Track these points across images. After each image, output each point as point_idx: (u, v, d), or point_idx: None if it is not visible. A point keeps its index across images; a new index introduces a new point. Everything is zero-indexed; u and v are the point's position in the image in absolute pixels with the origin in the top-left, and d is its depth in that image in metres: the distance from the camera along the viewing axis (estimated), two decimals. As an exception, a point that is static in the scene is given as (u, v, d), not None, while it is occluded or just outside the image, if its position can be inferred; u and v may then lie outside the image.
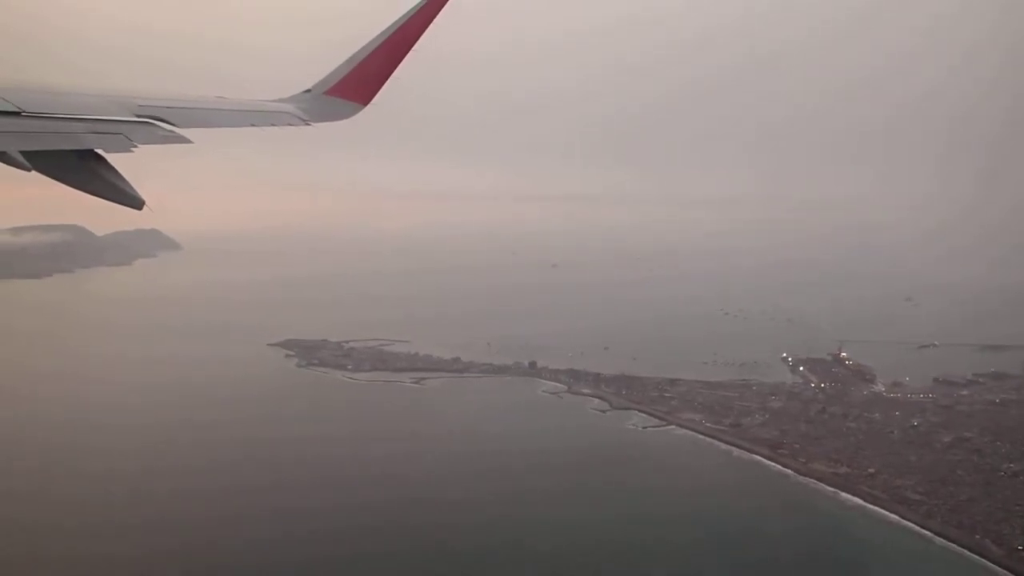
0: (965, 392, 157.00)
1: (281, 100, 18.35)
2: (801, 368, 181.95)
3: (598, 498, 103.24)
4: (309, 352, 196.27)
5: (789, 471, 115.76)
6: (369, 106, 19.13)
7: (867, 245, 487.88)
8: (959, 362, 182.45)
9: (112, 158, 11.07)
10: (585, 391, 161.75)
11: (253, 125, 15.77)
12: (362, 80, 18.86)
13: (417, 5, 18.49)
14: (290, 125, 16.70)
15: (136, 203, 10.85)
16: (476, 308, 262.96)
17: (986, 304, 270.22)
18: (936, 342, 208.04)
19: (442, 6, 18.55)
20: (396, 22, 18.58)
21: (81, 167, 10.83)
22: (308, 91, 18.92)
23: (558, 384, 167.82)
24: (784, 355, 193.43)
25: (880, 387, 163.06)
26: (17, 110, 10.16)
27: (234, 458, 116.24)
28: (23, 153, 9.89)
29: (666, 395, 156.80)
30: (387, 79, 19.03)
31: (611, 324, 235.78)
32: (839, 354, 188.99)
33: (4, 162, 10.00)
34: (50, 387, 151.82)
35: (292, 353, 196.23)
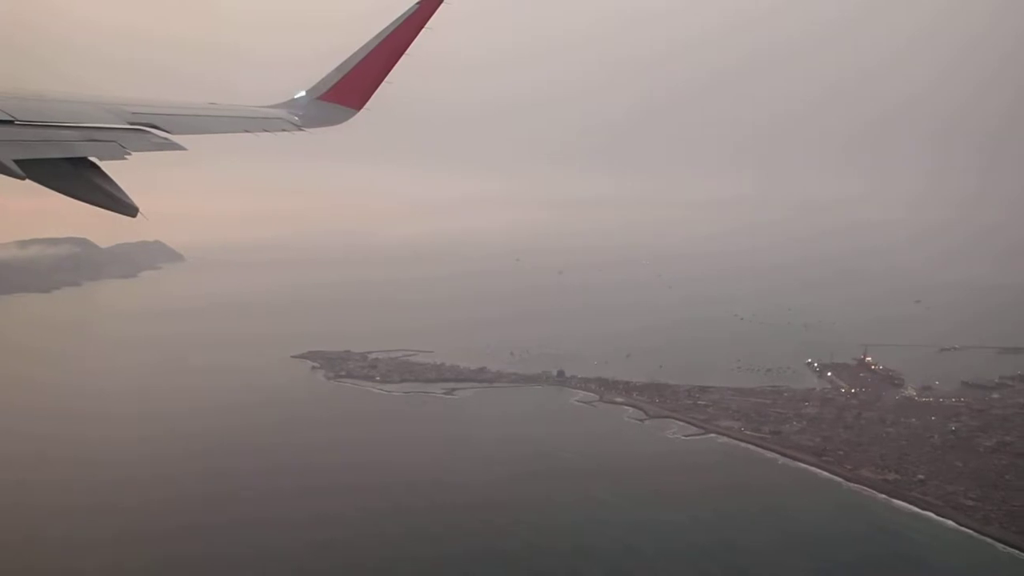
0: (996, 396, 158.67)
1: (274, 106, 18.49)
2: (829, 374, 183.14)
3: (656, 508, 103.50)
4: (334, 364, 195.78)
5: (839, 478, 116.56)
6: (362, 110, 19.33)
7: (869, 245, 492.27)
8: (983, 365, 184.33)
9: (105, 165, 11.06)
10: (618, 400, 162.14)
11: (246, 131, 15.84)
12: (355, 85, 19.06)
13: (409, 9, 18.71)
14: (283, 131, 16.82)
15: (130, 211, 10.82)
16: (490, 316, 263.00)
17: (994, 305, 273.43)
18: (956, 345, 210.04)
19: (434, 10, 18.73)
20: (389, 26, 18.76)
21: (75, 175, 10.77)
22: (301, 96, 19.11)
23: (589, 393, 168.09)
24: (809, 360, 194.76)
25: (911, 391, 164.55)
26: (10, 119, 10.22)
27: (287, 467, 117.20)
28: (17, 162, 9.72)
29: (700, 403, 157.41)
30: (380, 84, 19.23)
31: (628, 330, 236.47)
32: (864, 359, 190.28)
33: None
34: (85, 404, 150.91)
35: (318, 365, 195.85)
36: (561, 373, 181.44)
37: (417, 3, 18.73)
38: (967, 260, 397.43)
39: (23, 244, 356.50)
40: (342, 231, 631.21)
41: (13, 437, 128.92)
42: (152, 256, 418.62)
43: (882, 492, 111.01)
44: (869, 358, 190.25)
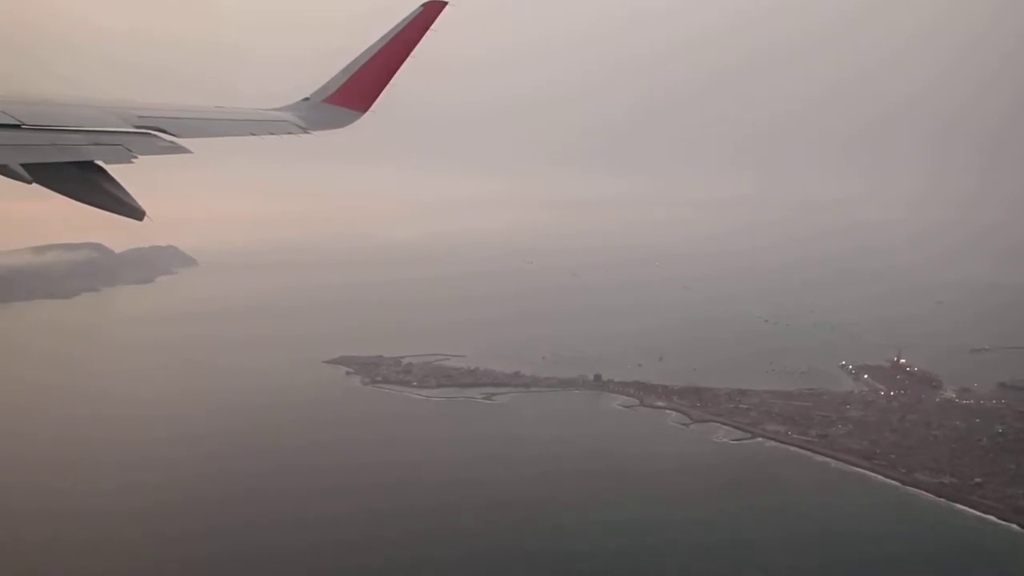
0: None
1: (280, 109, 18.73)
2: (865, 376, 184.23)
3: (720, 510, 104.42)
4: (368, 369, 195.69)
5: (894, 482, 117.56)
6: (367, 113, 19.56)
7: (869, 245, 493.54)
8: (1016, 367, 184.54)
9: (112, 169, 11.15)
10: (659, 404, 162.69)
11: (252, 134, 16.12)
12: (360, 88, 19.30)
13: (414, 12, 18.98)
14: (289, 133, 17.11)
15: (137, 214, 10.89)
16: (509, 317, 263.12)
17: (1004, 305, 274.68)
18: (986, 346, 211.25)
19: (438, 13, 18.98)
20: (393, 29, 19.00)
21: (82, 179, 10.84)
22: (307, 99, 19.39)
23: (628, 398, 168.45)
24: (843, 362, 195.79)
25: (950, 393, 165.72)
26: (17, 123, 10.33)
27: (347, 470, 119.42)
28: (24, 166, 9.84)
29: (741, 406, 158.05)
30: (385, 86, 19.50)
31: (654, 332, 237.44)
32: (898, 360, 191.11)
33: (5, 175, 9.89)
34: (126, 410, 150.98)
35: (352, 370, 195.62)
36: (598, 377, 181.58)
37: (421, 6, 18.97)
38: (967, 260, 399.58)
39: (38, 250, 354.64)
40: (348, 233, 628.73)
41: (79, 444, 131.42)
42: (166, 260, 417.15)
43: (940, 496, 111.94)
44: (903, 360, 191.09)
